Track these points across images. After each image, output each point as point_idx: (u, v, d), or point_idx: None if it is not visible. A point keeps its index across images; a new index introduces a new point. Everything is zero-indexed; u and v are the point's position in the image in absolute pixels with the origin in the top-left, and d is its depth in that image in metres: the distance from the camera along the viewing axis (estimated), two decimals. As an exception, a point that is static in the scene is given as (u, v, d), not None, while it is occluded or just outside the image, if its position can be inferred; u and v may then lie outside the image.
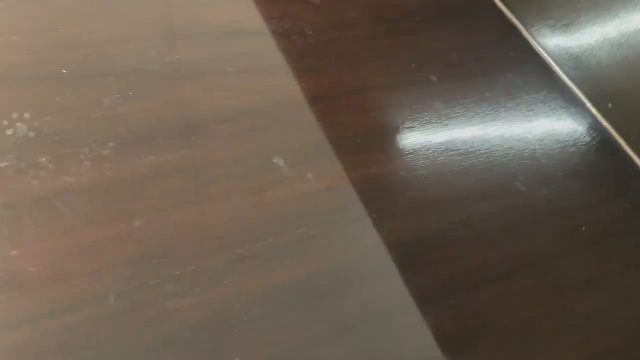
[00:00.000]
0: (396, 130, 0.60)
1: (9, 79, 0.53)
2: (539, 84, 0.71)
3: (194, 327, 0.42)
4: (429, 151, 0.59)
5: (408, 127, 0.61)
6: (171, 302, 0.43)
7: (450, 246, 0.53)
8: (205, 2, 0.66)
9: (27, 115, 0.51)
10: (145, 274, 0.44)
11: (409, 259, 0.51)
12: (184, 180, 0.50)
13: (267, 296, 0.45)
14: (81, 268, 0.44)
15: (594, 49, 0.69)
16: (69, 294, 0.42)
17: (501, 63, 0.73)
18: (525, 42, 0.77)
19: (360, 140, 0.58)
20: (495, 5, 0.82)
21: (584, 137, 0.66)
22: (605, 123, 0.68)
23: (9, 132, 0.49)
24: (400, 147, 0.59)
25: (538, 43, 0.77)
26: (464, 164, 0.60)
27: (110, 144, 0.51)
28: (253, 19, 0.65)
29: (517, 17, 0.80)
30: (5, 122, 0.50)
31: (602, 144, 0.66)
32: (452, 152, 0.60)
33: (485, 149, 0.61)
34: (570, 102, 0.70)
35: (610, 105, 0.68)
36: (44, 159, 0.49)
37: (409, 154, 0.58)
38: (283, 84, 0.60)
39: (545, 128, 0.66)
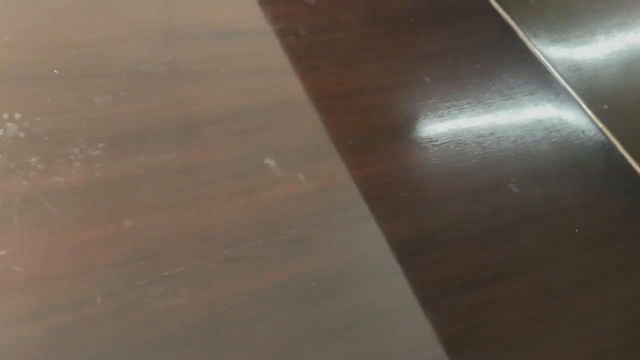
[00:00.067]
0: (389, 131, 0.60)
1: (0, 79, 0.53)
2: (534, 85, 0.71)
3: (183, 328, 0.42)
4: (422, 152, 0.59)
5: (401, 129, 0.61)
6: (160, 303, 0.43)
7: (446, 247, 0.53)
8: (201, 2, 0.66)
9: (17, 115, 0.51)
10: (134, 274, 0.44)
11: (403, 260, 0.51)
12: (174, 181, 0.50)
13: (257, 297, 0.45)
14: (69, 268, 0.43)
15: (590, 51, 0.69)
16: (56, 294, 0.42)
17: (496, 64, 0.72)
18: (521, 44, 0.77)
19: (353, 141, 0.58)
20: (491, 7, 0.81)
21: (579, 139, 0.66)
22: (600, 124, 0.68)
23: (-1, 132, 0.49)
24: (393, 148, 0.59)
25: (534, 45, 0.77)
26: (457, 165, 0.60)
27: (101, 144, 0.51)
28: (248, 19, 0.65)
29: (513, 19, 0.80)
30: (-5, 123, 0.50)
31: (597, 145, 0.66)
32: (445, 154, 0.60)
33: (480, 150, 0.61)
34: (566, 103, 0.70)
35: (605, 106, 0.68)
36: (34, 160, 0.49)
37: (402, 155, 0.58)
38: (276, 85, 0.60)
39: (539, 129, 0.65)
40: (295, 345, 0.44)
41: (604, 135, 0.67)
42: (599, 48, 0.67)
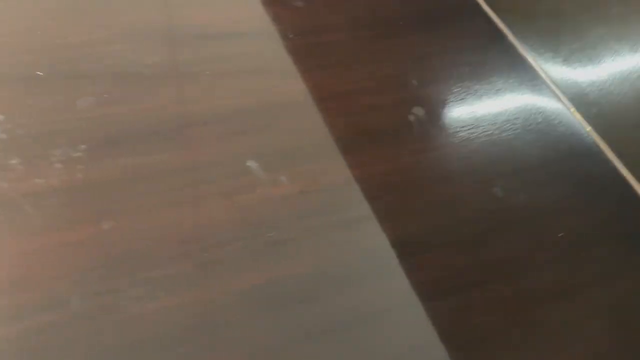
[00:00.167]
0: (375, 134, 0.60)
1: (-17, 81, 0.53)
2: (524, 89, 0.71)
3: (158, 332, 0.42)
4: (407, 156, 0.59)
5: (386, 132, 0.60)
6: (136, 306, 0.43)
7: (425, 253, 0.53)
8: (187, 5, 0.66)
9: (0, 117, 0.51)
10: (111, 277, 0.44)
11: (382, 265, 0.50)
12: (155, 184, 0.50)
13: (235, 301, 0.45)
14: (45, 271, 0.43)
15: (579, 54, 0.69)
16: (32, 297, 0.42)
17: (485, 68, 0.72)
18: (511, 47, 0.77)
19: (336, 144, 0.58)
20: (482, 10, 0.81)
21: (566, 142, 0.66)
22: (588, 128, 0.68)
23: (-20, 133, 0.49)
24: (378, 151, 0.59)
25: (524, 48, 0.76)
26: (443, 169, 0.59)
27: (83, 146, 0.51)
28: (232, 21, 0.65)
29: (503, 22, 0.80)
30: (-24, 124, 0.50)
31: (585, 149, 0.65)
32: (431, 157, 0.60)
33: (465, 154, 0.61)
34: (554, 107, 0.69)
35: (594, 110, 0.68)
36: (14, 161, 0.49)
37: (386, 158, 0.58)
38: (260, 88, 0.60)
39: (527, 133, 0.65)
40: (273, 349, 0.43)
41: (592, 139, 0.67)
42: (589, 53, 0.67)
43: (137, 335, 0.42)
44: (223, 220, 0.49)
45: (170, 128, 0.54)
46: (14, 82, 0.54)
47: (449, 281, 0.51)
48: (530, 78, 0.73)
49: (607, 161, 0.64)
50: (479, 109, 0.66)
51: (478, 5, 0.82)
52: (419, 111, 0.64)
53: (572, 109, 0.70)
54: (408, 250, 0.52)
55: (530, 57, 0.75)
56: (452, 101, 0.66)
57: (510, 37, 0.78)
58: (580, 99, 0.69)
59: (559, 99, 0.71)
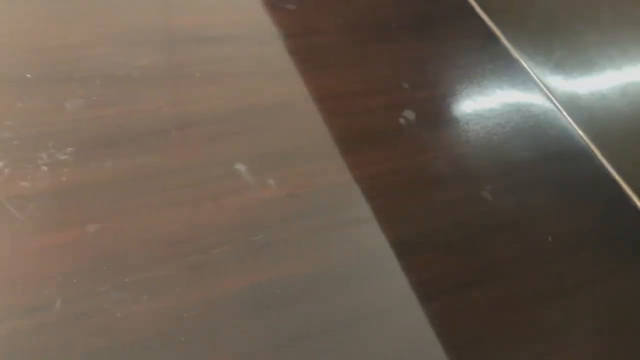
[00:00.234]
0: (363, 138, 0.60)
1: (-29, 83, 0.53)
2: (517, 93, 0.71)
3: (141, 335, 0.42)
4: (397, 159, 0.59)
5: (376, 136, 0.60)
6: (119, 309, 0.42)
7: (414, 255, 0.53)
8: (178, 8, 0.66)
9: (-13, 119, 0.51)
10: (95, 280, 0.44)
11: (368, 268, 0.50)
12: (141, 186, 0.50)
13: (219, 304, 0.45)
14: (30, 273, 0.43)
15: (571, 59, 0.68)
16: (16, 299, 0.42)
17: (478, 71, 0.72)
18: (504, 51, 0.77)
19: (325, 147, 0.58)
20: (476, 13, 0.81)
21: (558, 146, 0.65)
22: (580, 132, 0.68)
23: (-33, 136, 0.49)
24: (368, 155, 0.58)
25: (517, 52, 0.76)
26: (433, 173, 0.59)
27: (70, 149, 0.51)
28: (224, 24, 0.65)
29: (497, 26, 0.80)
30: (-37, 126, 0.50)
31: (576, 153, 0.65)
32: (420, 161, 0.60)
33: (454, 157, 0.61)
34: (547, 111, 0.69)
35: (586, 114, 0.68)
36: (0, 164, 0.48)
37: (375, 162, 0.58)
38: (250, 90, 0.60)
39: (518, 136, 0.65)
40: (254, 353, 0.43)
41: (584, 142, 0.67)
42: (581, 57, 0.67)
43: (118, 339, 0.42)
44: (209, 224, 0.49)
45: (158, 130, 0.54)
46: (2, 84, 0.54)
47: (436, 284, 0.51)
48: (523, 82, 0.73)
49: (597, 165, 0.64)
50: (470, 112, 0.66)
51: (472, 9, 0.82)
52: (409, 114, 0.64)
53: (564, 112, 0.70)
54: (399, 253, 0.52)
55: (523, 61, 0.75)
56: (443, 104, 0.66)
57: (504, 40, 0.78)
58: (572, 103, 0.69)
59: (551, 103, 0.70)
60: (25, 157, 0.49)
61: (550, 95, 0.71)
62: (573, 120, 0.68)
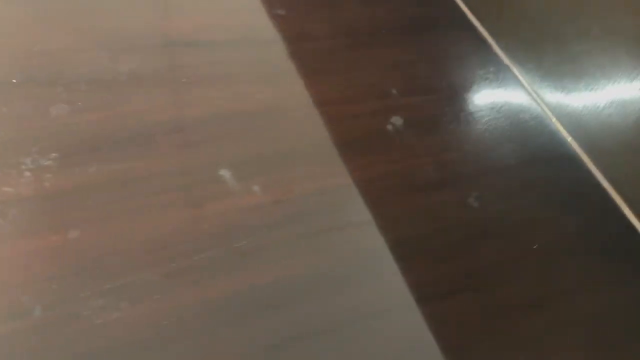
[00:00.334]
0: (350, 144, 0.60)
1: (-44, 87, 0.53)
2: (507, 99, 0.71)
3: (119, 342, 0.42)
4: (383, 166, 0.59)
5: (363, 142, 0.60)
6: (98, 316, 0.42)
7: (400, 261, 0.52)
8: (161, 13, 0.66)
9: (-28, 124, 0.51)
10: (75, 286, 0.43)
11: (351, 275, 0.50)
12: (125, 192, 0.49)
13: (198, 311, 0.44)
14: (10, 279, 0.43)
15: (561, 66, 0.68)
16: (-6, 306, 0.42)
17: (469, 77, 0.72)
18: (496, 57, 0.77)
19: (312, 153, 0.57)
20: (467, 19, 0.81)
21: (547, 152, 0.65)
22: (569, 138, 0.67)
23: (-50, 141, 0.49)
24: (353, 161, 0.58)
25: (508, 58, 0.76)
26: (420, 179, 0.59)
27: (53, 154, 0.51)
28: (209, 29, 0.65)
29: (488, 31, 0.80)
30: (-54, 131, 0.50)
31: (565, 160, 0.65)
32: (408, 167, 0.60)
33: (441, 163, 0.60)
34: (537, 118, 0.69)
35: (575, 121, 0.67)
36: (-16, 169, 0.48)
37: (361, 168, 0.58)
38: (237, 95, 0.60)
39: (507, 143, 0.65)
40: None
41: (573, 149, 0.67)
42: (572, 65, 0.67)
43: (96, 346, 0.41)
44: (192, 230, 0.49)
45: (143, 136, 0.54)
46: (-12, 89, 0.54)
47: (418, 292, 0.50)
48: (513, 88, 0.72)
49: (586, 172, 0.64)
50: (459, 118, 0.66)
51: (464, 15, 0.82)
52: (397, 120, 0.63)
53: (554, 119, 0.69)
54: (384, 258, 0.52)
55: (514, 67, 0.75)
56: (432, 110, 0.66)
57: (495, 47, 0.78)
58: (562, 110, 0.69)
59: (542, 109, 0.70)
60: (9, 163, 0.49)
61: (541, 102, 0.71)
62: (563, 127, 0.68)
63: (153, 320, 0.43)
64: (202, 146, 0.55)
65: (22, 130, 0.52)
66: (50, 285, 0.43)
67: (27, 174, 0.49)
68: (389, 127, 0.62)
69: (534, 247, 0.55)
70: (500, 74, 0.74)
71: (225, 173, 0.53)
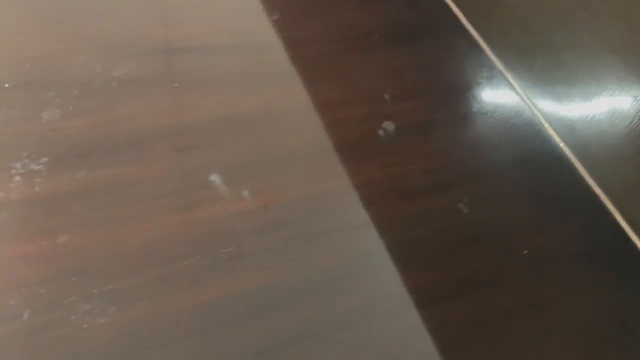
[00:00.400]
0: (341, 149, 0.60)
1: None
2: (499, 104, 0.71)
3: (106, 347, 0.42)
4: (374, 171, 0.59)
5: (354, 147, 0.60)
6: (84, 320, 0.43)
7: (385, 268, 0.52)
8: (154, 19, 0.66)
9: (-37, 129, 0.51)
10: (62, 291, 0.44)
11: (338, 281, 0.50)
12: (114, 197, 0.50)
13: (185, 317, 0.45)
14: (-2, 284, 0.43)
15: (554, 72, 0.68)
16: (-18, 310, 0.42)
17: (461, 82, 0.72)
18: (489, 62, 0.77)
19: (303, 158, 0.58)
20: (460, 23, 0.81)
21: (538, 158, 0.65)
22: (562, 144, 0.68)
23: (-59, 146, 0.49)
24: (344, 166, 0.58)
25: (501, 63, 0.76)
26: (411, 184, 0.59)
27: (44, 159, 0.51)
28: (202, 35, 0.65)
29: (482, 37, 0.80)
30: (-62, 136, 0.50)
31: (557, 165, 0.65)
32: (398, 172, 0.60)
33: (432, 169, 0.60)
34: (529, 124, 0.69)
35: (567, 126, 0.68)
36: (-26, 174, 0.49)
37: (352, 173, 0.58)
38: (228, 100, 0.60)
39: (499, 148, 0.65)
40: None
41: (565, 155, 0.67)
42: (564, 70, 0.67)
43: (84, 350, 0.42)
44: (180, 236, 0.49)
45: (134, 141, 0.54)
46: (-20, 94, 0.54)
47: (408, 297, 0.50)
48: (506, 93, 0.72)
49: (578, 177, 0.64)
50: (451, 123, 0.66)
51: (457, 19, 0.82)
52: (389, 125, 0.64)
53: (546, 125, 0.69)
54: (374, 264, 0.52)
55: (507, 72, 0.75)
56: (423, 116, 0.66)
57: (488, 51, 0.78)
58: (554, 115, 0.69)
59: (534, 115, 0.70)
60: (0, 167, 0.50)
61: (533, 108, 0.71)
62: (555, 132, 0.68)
63: (142, 326, 0.43)
64: (192, 151, 0.55)
65: (13, 134, 0.52)
66: (39, 289, 0.43)
67: (18, 178, 0.49)
68: (380, 132, 0.62)
69: (524, 252, 0.55)
70: (493, 79, 0.74)
71: (215, 178, 0.53)
